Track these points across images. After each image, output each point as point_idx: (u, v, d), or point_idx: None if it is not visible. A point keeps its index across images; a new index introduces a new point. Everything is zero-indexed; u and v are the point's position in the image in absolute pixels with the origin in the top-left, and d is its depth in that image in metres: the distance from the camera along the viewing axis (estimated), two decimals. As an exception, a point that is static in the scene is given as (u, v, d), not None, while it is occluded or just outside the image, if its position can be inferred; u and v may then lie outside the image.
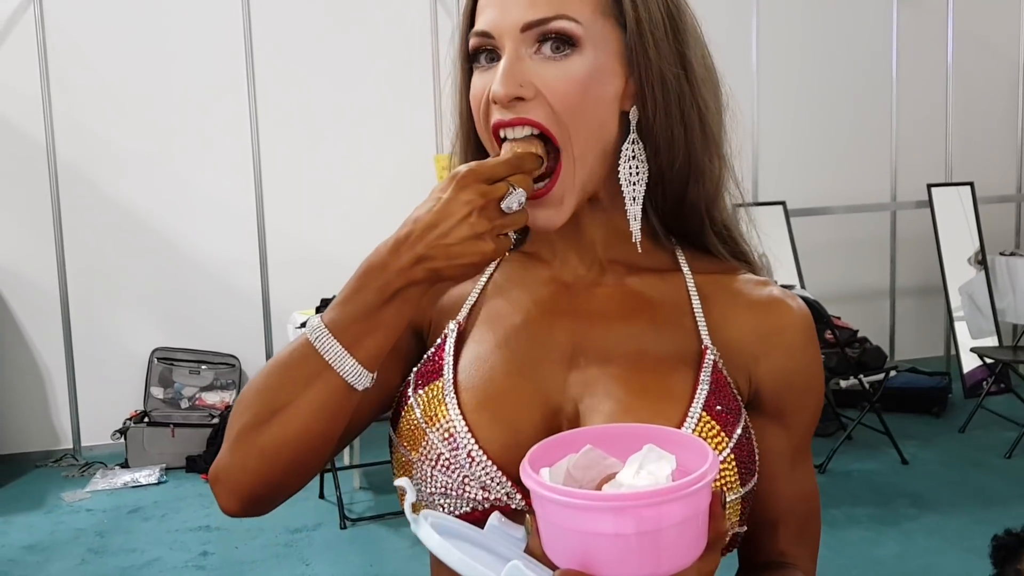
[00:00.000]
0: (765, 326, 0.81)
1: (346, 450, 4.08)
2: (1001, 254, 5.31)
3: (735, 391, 0.79)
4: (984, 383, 4.80)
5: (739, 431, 0.77)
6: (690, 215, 0.82)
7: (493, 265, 0.88)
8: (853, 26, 5.41)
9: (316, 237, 4.81)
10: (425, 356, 0.84)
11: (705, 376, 0.78)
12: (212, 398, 4.68)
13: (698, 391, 0.77)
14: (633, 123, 0.78)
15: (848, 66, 5.41)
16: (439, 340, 0.84)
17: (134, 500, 4.03)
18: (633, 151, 0.78)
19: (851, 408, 4.56)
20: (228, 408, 4.58)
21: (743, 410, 0.79)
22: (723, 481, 0.74)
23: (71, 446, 4.62)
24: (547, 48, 0.75)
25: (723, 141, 0.82)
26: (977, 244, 5.17)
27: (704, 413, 0.76)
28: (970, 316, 5.10)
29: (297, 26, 4.72)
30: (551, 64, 0.75)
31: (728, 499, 0.74)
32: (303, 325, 4.15)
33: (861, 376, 4.22)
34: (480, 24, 0.77)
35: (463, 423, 0.77)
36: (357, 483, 4.07)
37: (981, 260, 5.14)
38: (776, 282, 0.87)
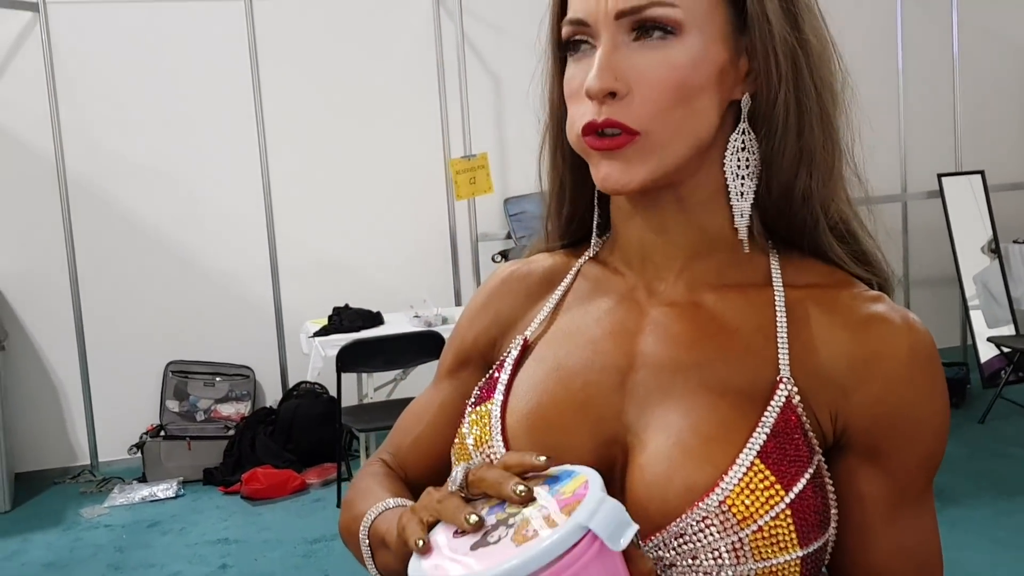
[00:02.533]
0: (861, 351, 0.70)
1: (362, 457, 4.08)
2: (1015, 242, 5.27)
3: (810, 433, 0.69)
4: (1002, 372, 4.76)
5: (802, 483, 0.67)
6: (801, 210, 0.73)
7: (572, 274, 0.83)
8: (858, 17, 5.38)
9: (327, 246, 4.81)
10: (489, 371, 0.81)
11: (769, 416, 0.68)
12: (227, 410, 4.68)
13: (755, 435, 0.67)
14: (745, 111, 0.71)
15: (853, 57, 5.36)
16: (504, 355, 0.81)
17: (153, 514, 4.04)
18: (743, 142, 0.71)
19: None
20: (243, 419, 4.58)
21: (815, 456, 0.69)
22: (773, 540, 0.66)
23: (88, 462, 4.63)
24: (645, 35, 0.68)
25: (840, 123, 0.74)
26: (990, 232, 5.13)
27: (757, 461, 0.66)
28: (985, 305, 5.06)
29: (301, 36, 4.73)
30: (649, 52, 0.68)
31: (778, 560, 0.66)
32: (316, 334, 4.16)
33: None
34: (573, 11, 0.71)
35: (504, 451, 0.74)
36: (374, 491, 4.06)
37: (995, 248, 5.10)
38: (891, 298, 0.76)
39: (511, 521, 0.58)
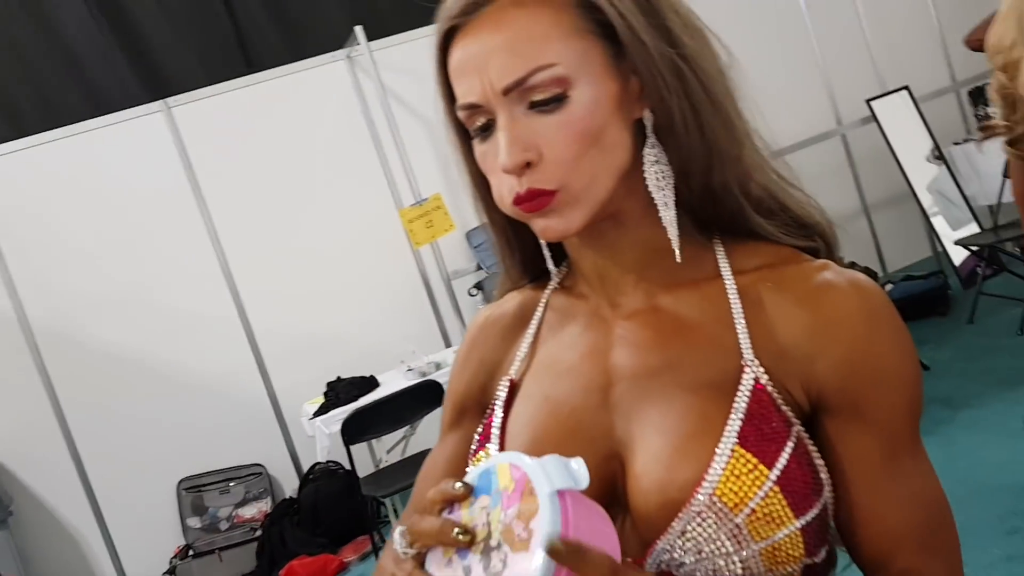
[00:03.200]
0: (816, 320, 0.72)
1: (392, 522, 4.09)
2: (955, 144, 5.38)
3: (784, 408, 0.71)
4: (977, 270, 4.85)
5: (784, 457, 0.69)
6: (725, 200, 0.76)
7: (541, 308, 0.86)
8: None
9: (306, 325, 4.83)
10: (484, 417, 0.83)
11: (741, 401, 0.71)
12: (249, 512, 4.67)
13: (729, 423, 0.70)
14: (649, 126, 0.73)
15: (759, 10, 5.48)
16: (494, 398, 0.83)
17: (203, 633, 4.01)
18: (655, 155, 0.73)
19: (860, 333, 4.59)
20: (267, 517, 4.57)
21: (793, 429, 0.71)
22: (769, 518, 0.68)
23: (125, 598, 4.59)
24: (538, 107, 0.70)
25: (734, 105, 0.75)
26: (930, 142, 5.24)
27: (737, 447, 0.69)
28: (945, 210, 5.15)
29: (227, 132, 4.76)
30: (547, 118, 0.70)
31: (778, 536, 0.68)
32: (315, 414, 4.17)
33: (859, 300, 4.25)
34: (462, 96, 0.73)
35: None
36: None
37: (939, 156, 5.20)
38: (841, 260, 0.79)
39: (493, 543, 0.61)
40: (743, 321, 0.73)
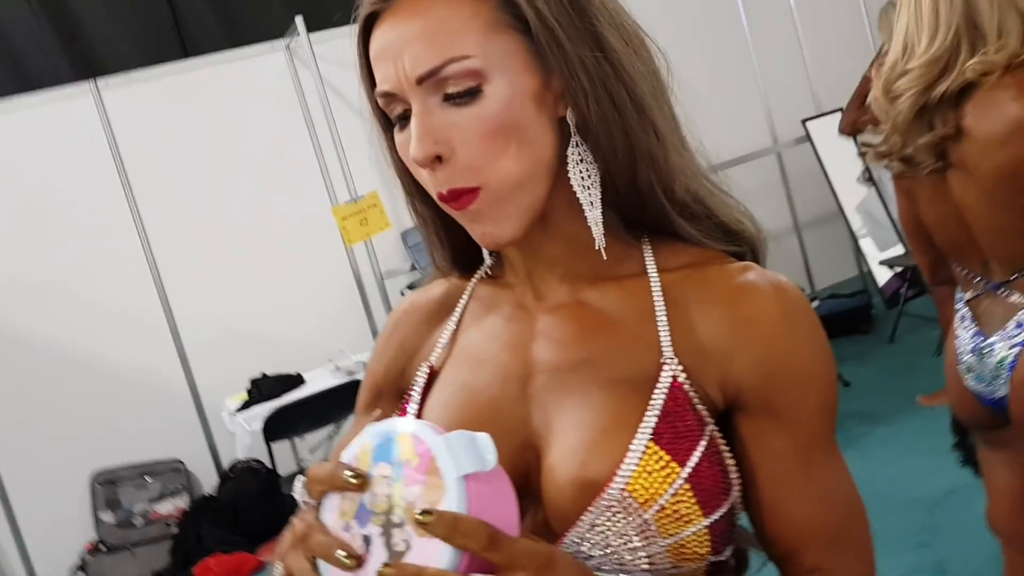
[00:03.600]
0: (736, 319, 0.73)
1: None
2: (885, 167, 5.51)
3: (699, 407, 0.72)
4: (900, 291, 4.98)
5: (697, 456, 0.70)
6: (651, 201, 0.75)
7: (466, 296, 0.86)
8: (693, -12, 5.57)
9: (231, 319, 4.73)
10: (400, 403, 0.83)
11: (657, 399, 0.71)
12: (165, 508, 4.55)
13: (645, 419, 0.70)
14: (572, 125, 0.72)
15: (699, 22, 5.55)
16: (412, 384, 0.83)
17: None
18: (580, 154, 0.72)
19: (786, 348, 4.67)
20: (184, 514, 4.46)
21: (706, 428, 0.71)
22: (677, 516, 0.69)
23: (31, 594, 4.44)
24: (453, 100, 0.69)
25: (662, 109, 0.75)
26: (862, 164, 5.36)
27: (651, 444, 0.69)
28: (872, 231, 5.28)
29: (158, 118, 4.64)
30: (462, 111, 0.69)
31: (685, 533, 0.69)
32: (238, 410, 4.09)
33: (787, 315, 4.33)
34: (380, 84, 0.72)
35: None
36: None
37: (869, 177, 5.33)
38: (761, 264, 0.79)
39: (395, 519, 0.59)
40: (665, 319, 0.74)
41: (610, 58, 0.71)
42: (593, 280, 0.78)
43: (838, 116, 5.41)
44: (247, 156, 4.77)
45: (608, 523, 0.69)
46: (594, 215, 0.73)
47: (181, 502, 4.56)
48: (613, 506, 0.68)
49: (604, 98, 0.70)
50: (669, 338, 0.73)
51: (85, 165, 4.56)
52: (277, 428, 3.64)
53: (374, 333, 4.97)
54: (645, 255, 0.78)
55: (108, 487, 4.52)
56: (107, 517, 4.50)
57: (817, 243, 5.88)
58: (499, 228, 0.72)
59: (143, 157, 4.62)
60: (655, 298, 0.75)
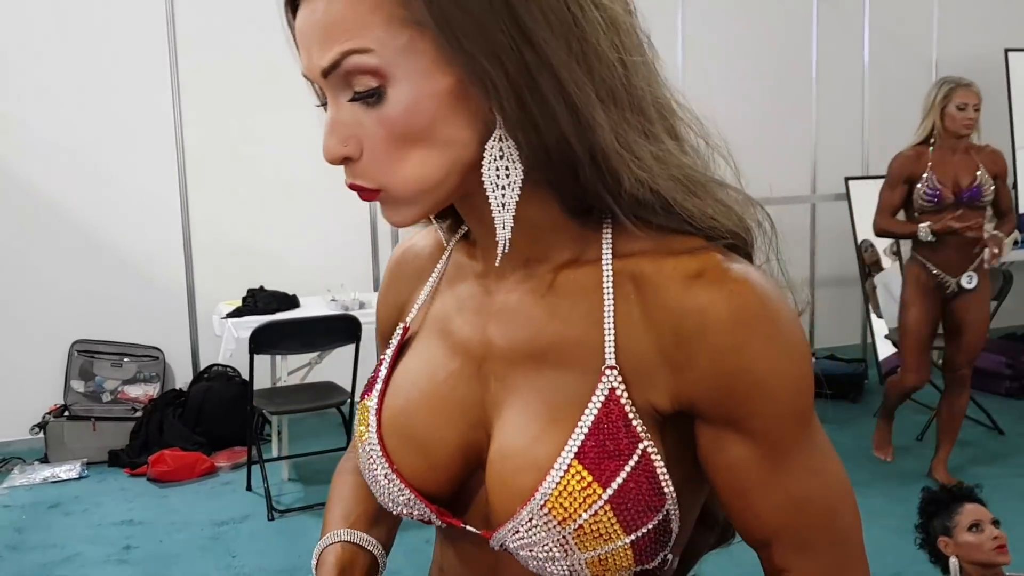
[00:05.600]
0: (684, 326, 0.66)
1: (274, 441, 4.05)
2: (914, 245, 5.50)
3: (635, 423, 0.68)
4: (898, 369, 4.97)
5: (622, 477, 0.67)
6: (594, 199, 0.69)
7: (444, 258, 0.83)
8: (775, 22, 5.54)
9: (241, 227, 4.74)
10: (378, 361, 0.84)
11: (590, 413, 0.68)
12: (135, 391, 4.58)
13: (574, 434, 0.68)
14: (499, 119, 0.65)
15: (770, 61, 5.54)
16: (390, 343, 0.83)
17: (54, 495, 3.93)
18: (501, 150, 0.66)
19: (772, 394, 4.68)
20: (151, 401, 4.49)
21: (639, 445, 0.67)
22: (596, 534, 0.67)
23: (-14, 442, 4.48)
24: (358, 95, 0.65)
25: (615, 98, 0.67)
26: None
27: (575, 462, 0.67)
28: (885, 305, 5.27)
29: (222, 12, 4.64)
30: (368, 112, 0.66)
31: (605, 549, 0.68)
32: (229, 315, 4.11)
33: (782, 363, 4.33)
34: (302, 67, 0.69)
35: (379, 449, 0.77)
36: (286, 475, 4.04)
37: (896, 251, 5.32)
38: (727, 254, 0.70)
39: None
40: (612, 322, 0.69)
41: (539, 51, 0.63)
42: (548, 265, 0.73)
43: (881, 182, 5.40)
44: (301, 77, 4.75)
45: (529, 532, 0.69)
46: (503, 217, 0.67)
47: (152, 390, 4.59)
48: (534, 518, 0.68)
49: (526, 94, 0.63)
50: (613, 343, 0.68)
51: (137, 36, 4.55)
52: (263, 342, 3.66)
53: (376, 277, 4.99)
54: (604, 236, 0.71)
55: (85, 357, 4.56)
56: (78, 386, 4.53)
57: (828, 302, 5.87)
58: (399, 216, 0.70)
59: (199, 44, 4.61)
60: (605, 296, 0.70)
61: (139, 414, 4.44)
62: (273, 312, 4.16)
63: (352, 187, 0.69)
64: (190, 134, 4.65)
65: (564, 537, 0.68)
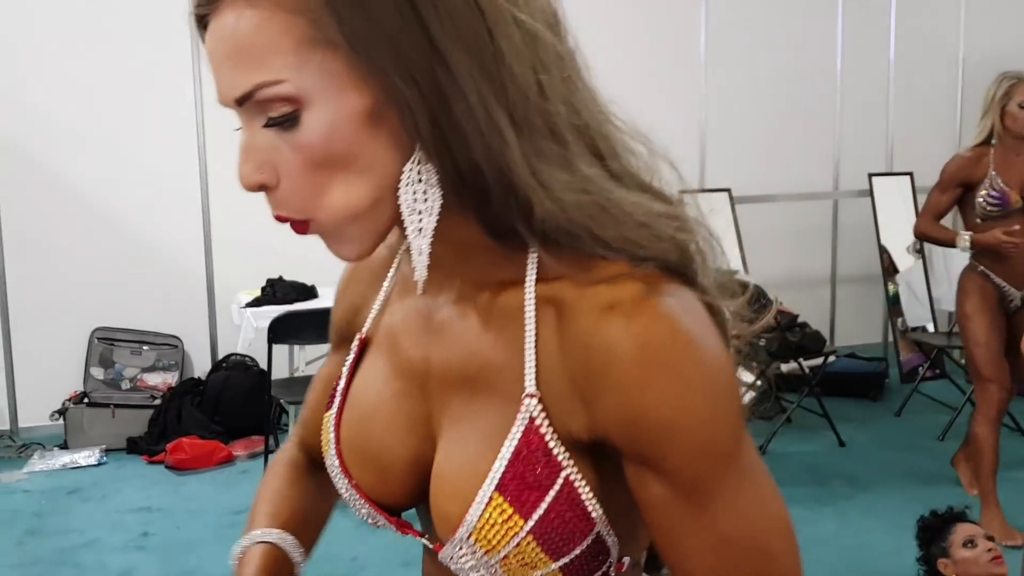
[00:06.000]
0: (590, 362, 0.63)
1: (291, 430, 4.06)
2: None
3: (555, 451, 0.66)
4: (920, 369, 4.93)
5: (544, 507, 0.66)
6: (511, 227, 0.65)
7: (394, 266, 0.81)
8: (800, 17, 5.49)
9: (261, 217, 4.69)
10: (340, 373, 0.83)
11: (508, 446, 0.66)
12: (154, 379, 4.61)
13: (495, 466, 0.66)
14: (417, 141, 0.62)
15: (795, 58, 5.49)
16: (348, 355, 0.82)
17: (73, 481, 3.96)
18: (419, 173, 0.63)
19: (791, 392, 4.66)
20: (170, 389, 4.52)
21: (561, 473, 0.66)
22: (522, 562, 0.67)
23: (8, 427, 4.51)
24: (272, 121, 0.62)
25: (529, 122, 0.62)
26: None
27: (496, 495, 0.66)
28: (908, 304, 5.23)
29: None
30: (284, 136, 0.62)
31: (535, 575, 0.68)
32: (248, 305, 4.12)
33: (801, 360, 4.31)
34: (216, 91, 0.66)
35: (338, 464, 0.77)
36: (302, 464, 4.05)
37: (919, 249, 5.27)
38: (652, 281, 0.65)
39: None
40: (533, 349, 0.66)
41: (449, 69, 0.60)
42: (480, 285, 0.70)
43: (905, 180, 5.35)
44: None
45: (459, 559, 0.70)
46: (418, 243, 0.64)
47: (171, 378, 4.62)
48: (461, 547, 0.69)
49: (439, 116, 0.60)
50: (535, 370, 0.66)
51: (160, 23, 4.55)
52: (281, 331, 3.66)
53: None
54: (528, 264, 0.68)
55: (105, 345, 4.59)
56: (97, 373, 4.56)
57: (849, 300, 5.82)
58: (344, 249, 0.67)
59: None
60: (527, 322, 0.66)
61: (158, 402, 4.46)
62: (292, 302, 4.17)
63: (279, 219, 0.66)
64: (212, 124, 4.67)
65: (492, 566, 0.68)
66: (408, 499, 0.77)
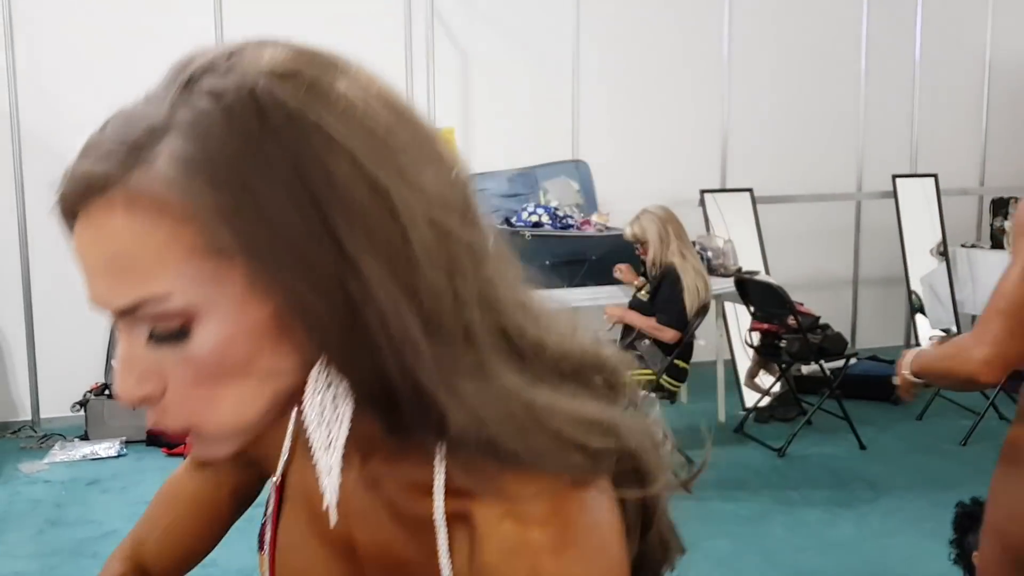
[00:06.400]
0: None
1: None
2: (962, 246, 5.40)
3: None
4: None
5: None
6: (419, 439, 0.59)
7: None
8: (824, 18, 5.45)
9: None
10: (263, 517, 0.75)
11: None
12: (175, 372, 4.64)
13: None
14: (324, 351, 0.56)
15: (818, 57, 5.45)
16: (267, 503, 0.75)
17: (93, 472, 3.99)
18: (327, 379, 0.57)
19: (811, 394, 4.63)
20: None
21: None
22: None
23: (30, 418, 4.56)
24: (157, 336, 0.55)
25: (427, 338, 0.56)
26: (939, 235, 5.25)
27: None
28: (930, 306, 5.18)
29: (267, 6, 4.67)
30: (172, 350, 0.55)
31: None
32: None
33: (822, 362, 4.28)
34: (86, 291, 0.58)
35: None
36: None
37: (943, 251, 5.22)
38: (562, 496, 0.58)
39: None
40: (449, 568, 0.60)
41: (360, 277, 0.54)
42: (384, 478, 0.63)
43: (929, 181, 5.30)
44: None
45: None
46: (327, 461, 0.57)
47: (191, 372, 4.64)
48: None
49: (347, 325, 0.54)
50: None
51: (189, 31, 4.59)
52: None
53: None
54: (436, 473, 0.60)
55: (127, 337, 4.61)
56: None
57: (871, 301, 5.78)
58: (211, 452, 0.60)
59: (244, 26, 4.63)
60: (439, 541, 0.60)
61: (178, 395, 4.48)
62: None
63: (154, 428, 0.59)
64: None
65: None
66: None
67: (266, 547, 0.73)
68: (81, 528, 3.43)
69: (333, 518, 0.58)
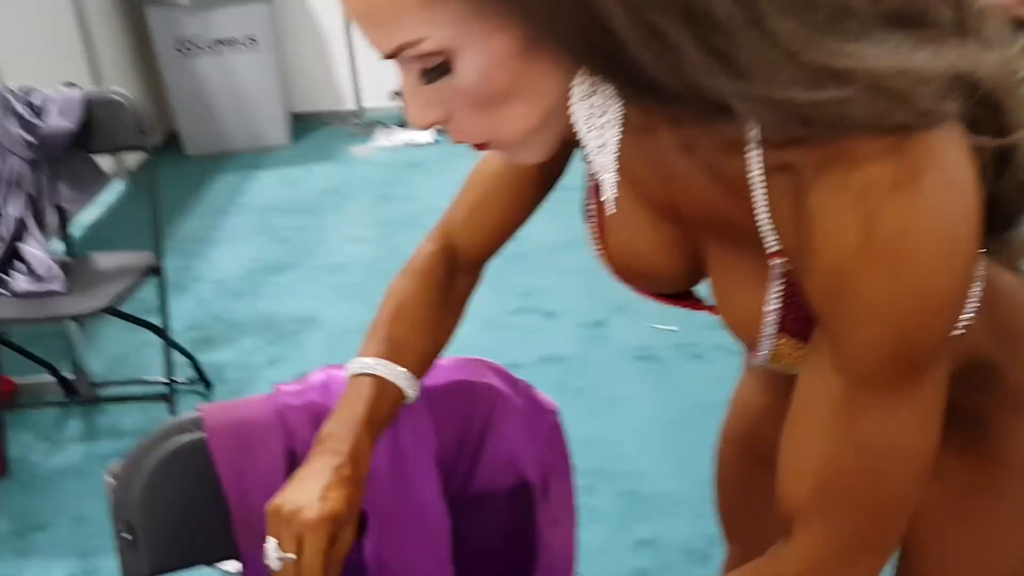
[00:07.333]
0: (814, 241, 0.59)
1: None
2: None
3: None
4: None
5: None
6: (726, 112, 0.55)
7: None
8: None
9: None
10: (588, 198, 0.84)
11: (774, 298, 0.67)
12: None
13: (767, 320, 0.69)
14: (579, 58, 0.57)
15: None
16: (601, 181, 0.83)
17: (413, 156, 4.33)
18: (591, 85, 0.60)
19: None
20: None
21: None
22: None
23: (354, 107, 4.93)
24: (427, 73, 0.60)
25: (699, 26, 0.52)
26: None
27: (781, 335, 0.70)
28: None
29: None
30: (444, 82, 0.60)
31: None
32: None
33: None
34: None
35: (610, 267, 0.81)
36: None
37: None
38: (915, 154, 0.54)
39: None
40: (767, 215, 0.63)
41: None
42: (703, 143, 0.64)
43: None
44: None
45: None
46: (602, 160, 0.63)
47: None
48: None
49: (594, 35, 0.53)
50: (774, 232, 0.62)
51: None
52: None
53: None
54: (750, 131, 0.59)
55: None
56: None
57: None
58: (523, 157, 0.66)
59: None
60: (755, 189, 0.60)
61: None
62: None
63: (458, 141, 0.66)
64: None
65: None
66: (682, 291, 0.80)
67: (594, 219, 0.79)
68: (407, 204, 3.79)
69: (610, 210, 0.67)
